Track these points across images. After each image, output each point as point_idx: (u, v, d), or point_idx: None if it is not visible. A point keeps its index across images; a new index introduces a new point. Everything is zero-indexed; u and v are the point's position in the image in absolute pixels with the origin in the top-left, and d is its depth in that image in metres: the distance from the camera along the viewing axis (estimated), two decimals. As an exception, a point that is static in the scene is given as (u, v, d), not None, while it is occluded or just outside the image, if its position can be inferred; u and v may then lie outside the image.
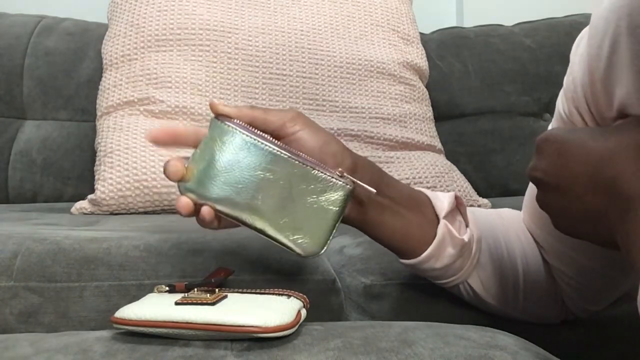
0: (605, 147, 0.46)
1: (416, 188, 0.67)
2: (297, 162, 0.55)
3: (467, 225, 0.67)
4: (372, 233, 0.64)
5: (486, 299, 0.68)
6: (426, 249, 0.63)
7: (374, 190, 0.57)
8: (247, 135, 0.55)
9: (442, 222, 0.63)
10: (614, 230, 0.45)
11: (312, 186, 0.56)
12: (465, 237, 0.64)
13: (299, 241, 0.56)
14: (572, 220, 0.50)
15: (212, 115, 0.57)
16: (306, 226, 0.56)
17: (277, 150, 0.55)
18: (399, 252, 0.65)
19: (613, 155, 0.45)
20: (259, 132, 0.56)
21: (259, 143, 0.55)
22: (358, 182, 0.57)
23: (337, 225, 0.57)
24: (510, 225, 0.71)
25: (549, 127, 0.64)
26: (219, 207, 0.56)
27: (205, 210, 0.56)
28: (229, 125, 0.55)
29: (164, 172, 0.56)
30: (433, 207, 0.64)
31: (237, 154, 0.55)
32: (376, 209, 0.61)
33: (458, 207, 0.67)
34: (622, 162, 0.45)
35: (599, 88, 0.52)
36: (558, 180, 0.49)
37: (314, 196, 0.56)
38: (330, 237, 0.57)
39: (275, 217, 0.56)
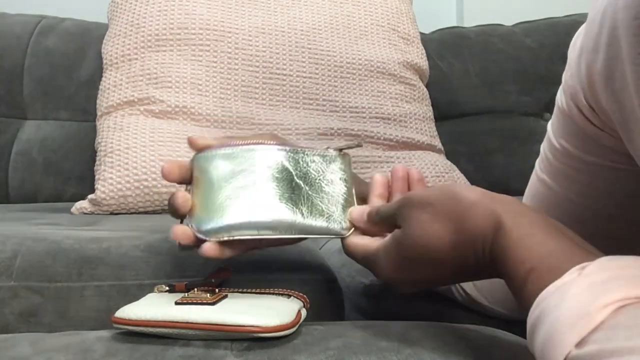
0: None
1: None
2: (286, 149, 0.56)
3: None
4: None
5: (479, 300, 0.68)
6: None
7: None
8: (230, 148, 0.55)
9: None
10: (489, 256, 0.45)
11: (312, 168, 0.56)
12: None
13: (329, 226, 0.55)
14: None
15: (194, 153, 0.57)
16: (328, 207, 0.56)
17: (263, 144, 0.56)
18: None
19: (471, 207, 0.46)
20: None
21: (244, 146, 0.55)
22: (343, 145, 0.58)
23: (353, 191, 0.58)
24: None
25: (549, 123, 0.64)
26: (236, 235, 0.53)
27: (209, 248, 0.53)
28: (211, 150, 0.55)
29: (171, 204, 0.55)
30: None
31: (230, 170, 0.55)
32: None
33: None
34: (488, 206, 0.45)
35: (596, 80, 0.52)
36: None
37: (319, 177, 0.56)
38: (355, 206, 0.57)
39: (294, 214, 0.54)
